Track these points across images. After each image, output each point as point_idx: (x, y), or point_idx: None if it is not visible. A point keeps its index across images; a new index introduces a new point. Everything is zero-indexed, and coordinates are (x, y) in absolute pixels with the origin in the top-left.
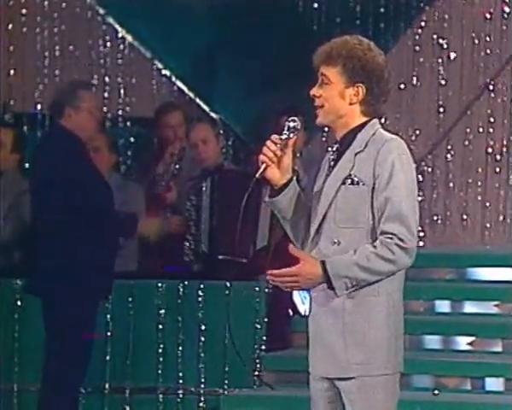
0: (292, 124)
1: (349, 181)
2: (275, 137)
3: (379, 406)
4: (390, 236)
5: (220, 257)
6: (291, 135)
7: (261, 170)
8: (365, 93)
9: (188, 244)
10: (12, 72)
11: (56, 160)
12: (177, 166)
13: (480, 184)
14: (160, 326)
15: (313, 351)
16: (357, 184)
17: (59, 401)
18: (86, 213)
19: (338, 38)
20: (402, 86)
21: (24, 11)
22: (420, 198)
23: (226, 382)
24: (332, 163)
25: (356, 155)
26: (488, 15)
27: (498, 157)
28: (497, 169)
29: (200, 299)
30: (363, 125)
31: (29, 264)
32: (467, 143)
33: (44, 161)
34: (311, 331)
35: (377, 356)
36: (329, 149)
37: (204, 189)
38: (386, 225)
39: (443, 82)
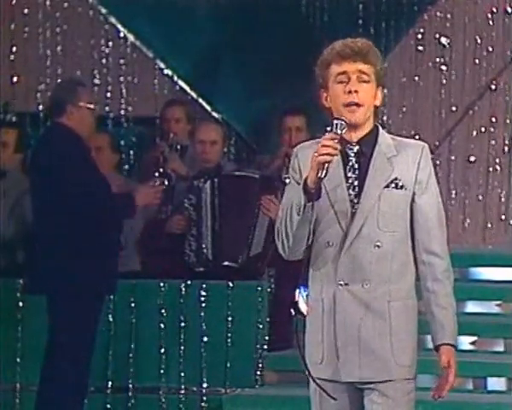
0: (341, 121)
1: (393, 185)
2: (330, 134)
3: (411, 406)
4: (440, 247)
5: (226, 263)
6: (343, 131)
7: (325, 168)
8: (383, 97)
9: (190, 246)
10: (14, 71)
11: (60, 158)
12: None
13: (481, 183)
14: (163, 326)
15: (337, 355)
16: (401, 188)
17: (59, 401)
18: (88, 211)
19: (357, 39)
20: (404, 86)
21: (26, 11)
22: None
23: (228, 381)
24: (356, 165)
25: (389, 159)
26: (490, 15)
27: (500, 157)
28: (499, 169)
29: (202, 299)
30: (375, 129)
31: (32, 263)
32: (469, 142)
33: (48, 159)
34: (331, 332)
35: (415, 358)
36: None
37: (203, 194)
38: (436, 230)
39: (445, 81)
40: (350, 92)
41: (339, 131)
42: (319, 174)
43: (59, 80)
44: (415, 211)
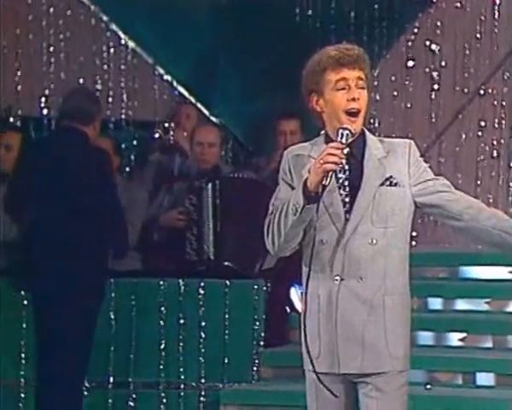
0: (347, 131)
1: (388, 183)
2: (336, 143)
3: (404, 399)
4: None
5: (226, 263)
6: (349, 140)
7: (330, 176)
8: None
9: (191, 245)
10: (19, 76)
11: (86, 166)
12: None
13: (471, 186)
14: (162, 323)
15: (334, 348)
16: (396, 185)
17: (57, 400)
18: (94, 215)
19: (348, 45)
20: (396, 92)
21: (30, 18)
22: None
23: (226, 377)
24: (347, 166)
25: (379, 160)
26: (479, 22)
27: (489, 160)
28: (488, 172)
29: (200, 297)
30: (362, 132)
31: (29, 263)
32: (458, 146)
33: (70, 163)
34: (327, 327)
35: (408, 352)
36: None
37: (205, 195)
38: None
39: (435, 87)
40: (353, 100)
41: (344, 140)
42: (324, 182)
43: (64, 86)
44: (423, 188)
